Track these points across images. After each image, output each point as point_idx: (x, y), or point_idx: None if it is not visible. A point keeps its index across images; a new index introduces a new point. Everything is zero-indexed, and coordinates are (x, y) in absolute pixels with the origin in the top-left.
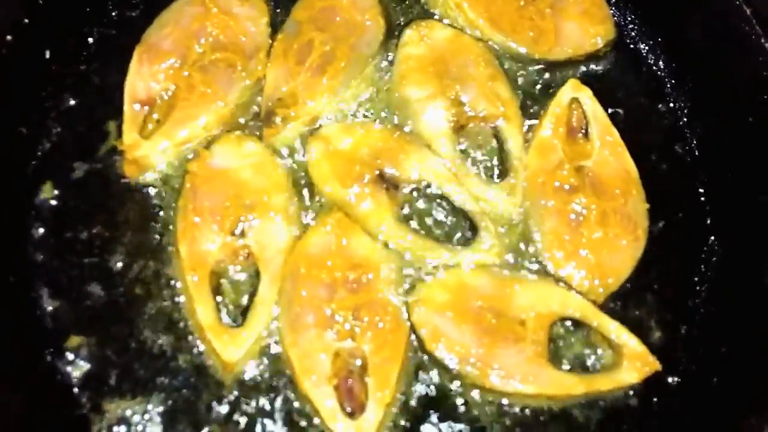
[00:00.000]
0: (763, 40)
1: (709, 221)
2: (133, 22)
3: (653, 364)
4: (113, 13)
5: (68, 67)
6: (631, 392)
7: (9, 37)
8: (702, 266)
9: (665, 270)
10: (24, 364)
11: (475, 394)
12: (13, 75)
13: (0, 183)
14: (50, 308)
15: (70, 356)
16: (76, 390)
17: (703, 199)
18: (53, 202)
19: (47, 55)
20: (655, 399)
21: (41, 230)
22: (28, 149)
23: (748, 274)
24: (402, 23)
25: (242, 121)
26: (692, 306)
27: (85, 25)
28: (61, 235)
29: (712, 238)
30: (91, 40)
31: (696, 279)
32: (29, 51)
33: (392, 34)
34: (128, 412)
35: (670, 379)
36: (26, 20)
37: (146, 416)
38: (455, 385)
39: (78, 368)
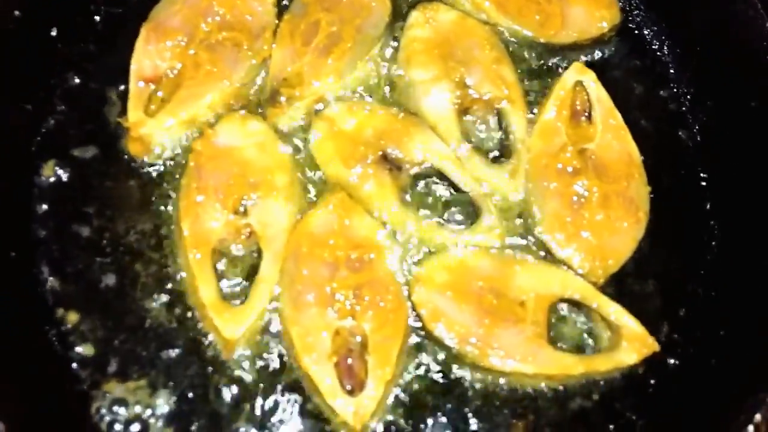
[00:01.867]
0: (766, 26)
1: (709, 206)
2: (140, 1)
3: (652, 345)
4: None
5: (74, 45)
6: (630, 373)
7: (17, 13)
8: (702, 250)
9: (665, 253)
10: (25, 340)
11: (474, 373)
12: (20, 51)
13: (4, 159)
14: (51, 285)
15: (71, 333)
16: (76, 366)
17: (704, 183)
18: (56, 179)
19: (54, 32)
20: (653, 380)
21: (44, 207)
22: (32, 126)
23: (747, 258)
24: (408, 5)
25: (247, 100)
26: (691, 289)
27: (91, 3)
28: (64, 212)
29: (712, 222)
30: (97, 18)
31: (696, 262)
32: (36, 28)
33: (398, 16)
34: (129, 390)
35: (668, 361)
36: None
37: (146, 394)
38: (454, 365)
39: (79, 345)
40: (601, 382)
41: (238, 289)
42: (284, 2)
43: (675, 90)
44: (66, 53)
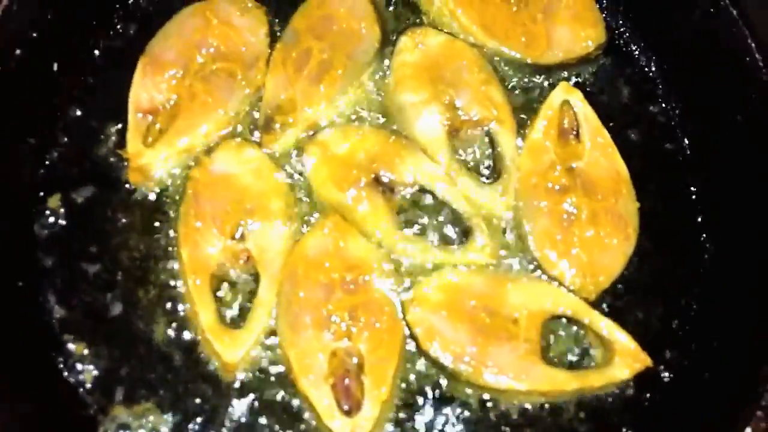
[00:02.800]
0: (749, 41)
1: (700, 219)
2: (137, 35)
3: (644, 360)
4: (118, 26)
5: (75, 79)
6: (624, 388)
7: (18, 51)
8: (693, 264)
9: (657, 268)
10: (31, 367)
11: (469, 391)
12: (22, 87)
13: (9, 190)
14: (57, 312)
15: (78, 359)
16: (82, 392)
17: (694, 197)
18: (61, 210)
19: (55, 67)
20: (647, 394)
21: (49, 236)
22: (36, 158)
23: (739, 271)
24: (397, 31)
25: (242, 128)
26: (684, 302)
27: (91, 38)
28: (69, 241)
29: (704, 235)
30: (97, 52)
31: (687, 276)
32: (37, 64)
33: (388, 41)
34: (135, 414)
35: (662, 375)
36: (34, 34)
37: (152, 417)
38: (449, 383)
39: (85, 371)
40: (595, 398)
41: (237, 313)
42: (277, 31)
43: (663, 105)
44: (67, 87)
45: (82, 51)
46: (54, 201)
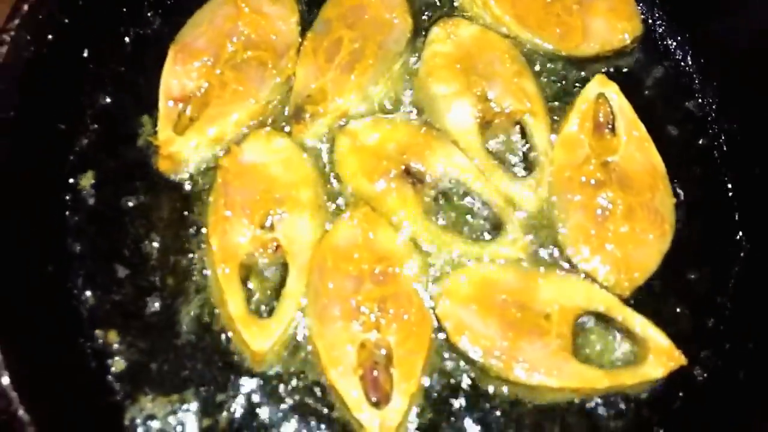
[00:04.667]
0: None
1: (737, 216)
2: (167, 23)
3: (679, 359)
4: (149, 14)
5: (105, 66)
6: (656, 387)
7: (50, 37)
8: (729, 261)
9: (692, 265)
10: (60, 352)
11: (499, 386)
12: (53, 72)
13: (39, 176)
14: (86, 299)
15: (106, 346)
16: (109, 378)
17: (730, 194)
18: (90, 196)
19: (85, 54)
20: (680, 393)
21: (79, 222)
22: (66, 145)
23: None
24: (429, 21)
25: (273, 118)
26: (719, 301)
27: (121, 25)
28: (98, 228)
29: (740, 233)
30: (127, 39)
31: (723, 274)
32: (68, 50)
33: (419, 31)
34: (162, 402)
35: (696, 374)
36: (66, 20)
37: (179, 406)
38: (479, 378)
39: (113, 359)
40: (628, 396)
41: (266, 303)
42: (308, 20)
43: (700, 100)
44: (97, 74)
45: (112, 38)
46: (84, 186)
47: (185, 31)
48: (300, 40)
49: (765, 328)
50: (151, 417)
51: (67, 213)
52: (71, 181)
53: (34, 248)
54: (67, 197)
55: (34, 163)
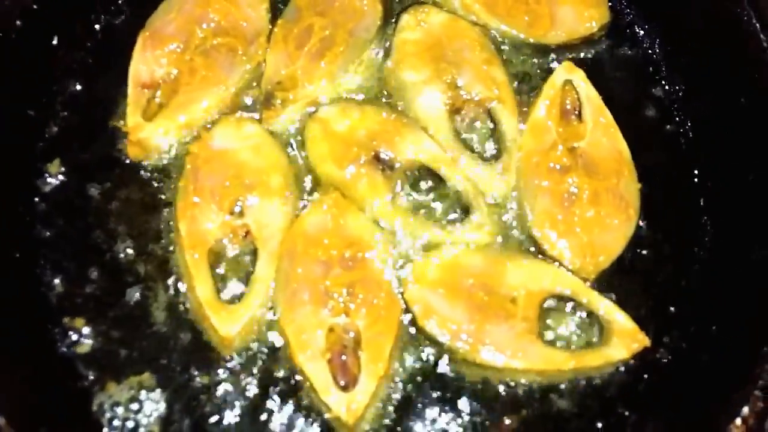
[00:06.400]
0: (754, 21)
1: (702, 202)
2: (138, 11)
3: (642, 341)
4: (119, 1)
5: (75, 54)
6: (621, 368)
7: (18, 22)
8: (693, 246)
9: (657, 249)
10: (27, 338)
11: (466, 368)
12: (22, 59)
13: (8, 163)
14: (54, 285)
15: (74, 331)
16: (77, 363)
17: (696, 180)
18: (60, 183)
19: (55, 40)
20: (645, 375)
21: (48, 209)
22: (35, 131)
23: (739, 253)
24: (399, 8)
25: (242, 104)
26: (683, 284)
27: (91, 12)
28: (67, 214)
29: (705, 218)
30: (97, 26)
31: (688, 258)
32: (38, 36)
33: (390, 19)
34: (129, 386)
35: (660, 356)
36: (35, 6)
37: (146, 392)
38: (446, 361)
39: (81, 345)
40: (593, 378)
41: (234, 288)
42: (278, 8)
43: (666, 87)
44: (67, 61)
45: (82, 25)
46: (53, 173)
47: (155, 17)
48: (270, 27)
49: (728, 311)
50: (120, 403)
51: (36, 199)
52: (40, 167)
53: (2, 234)
54: (36, 183)
55: (2, 149)
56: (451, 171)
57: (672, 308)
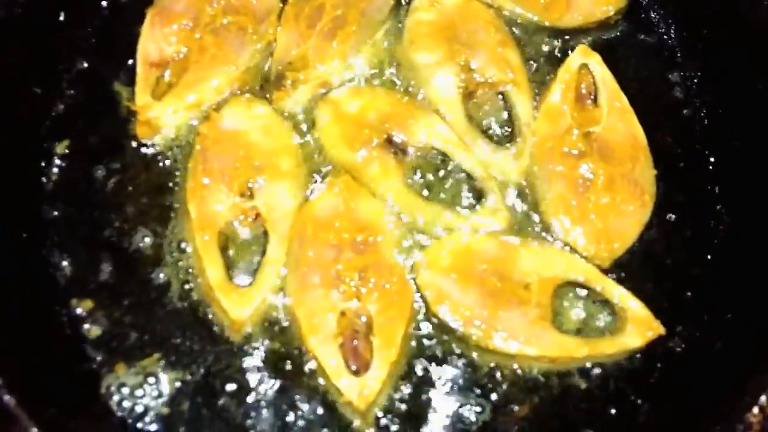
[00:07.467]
0: None
1: (717, 189)
2: None
3: (657, 329)
4: None
5: (82, 30)
6: (634, 356)
7: None
8: (708, 233)
9: (672, 236)
10: (35, 320)
11: (478, 355)
12: (28, 36)
13: (15, 142)
14: (62, 266)
15: (82, 314)
16: (86, 345)
17: (711, 167)
18: (67, 163)
19: (61, 17)
20: (658, 365)
21: (55, 189)
22: (41, 110)
23: (754, 242)
24: None
25: (253, 83)
26: (698, 272)
27: None
28: (74, 194)
29: (719, 206)
30: (104, 3)
31: (702, 246)
32: (44, 13)
33: None
34: (139, 372)
35: (673, 344)
36: None
37: (156, 374)
38: (459, 347)
39: (89, 327)
40: (606, 366)
41: (245, 271)
42: None
43: (682, 73)
44: (74, 38)
45: (89, 1)
46: (60, 153)
47: None
48: (281, 5)
49: (742, 299)
50: (128, 385)
51: (42, 179)
52: (47, 146)
53: (9, 214)
54: (43, 163)
55: (8, 128)
56: (464, 155)
57: (686, 296)
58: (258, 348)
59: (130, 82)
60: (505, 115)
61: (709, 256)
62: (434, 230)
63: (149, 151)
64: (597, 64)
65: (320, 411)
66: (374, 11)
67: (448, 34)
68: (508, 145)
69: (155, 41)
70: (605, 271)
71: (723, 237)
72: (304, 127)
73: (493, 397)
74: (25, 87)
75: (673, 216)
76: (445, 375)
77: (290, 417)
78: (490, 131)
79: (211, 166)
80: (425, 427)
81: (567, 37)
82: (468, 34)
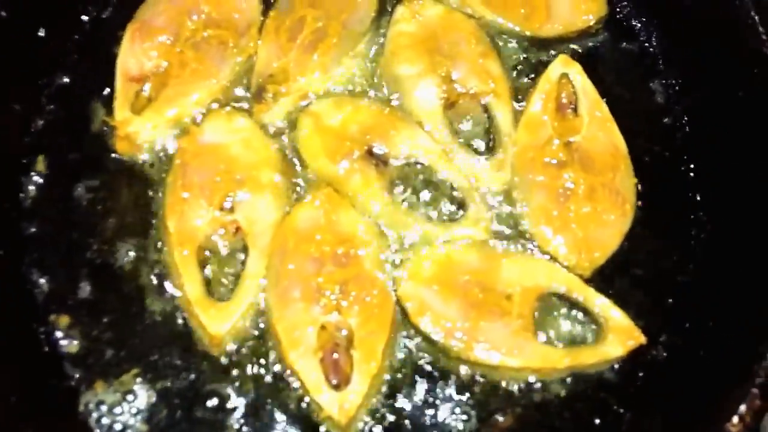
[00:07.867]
0: (753, 14)
1: (698, 197)
2: (125, 1)
3: (638, 338)
4: None
5: (62, 46)
6: (617, 366)
7: (3, 13)
8: (690, 241)
9: (653, 245)
10: (13, 337)
11: (460, 367)
12: (7, 51)
13: None
14: (40, 283)
15: (60, 331)
16: (64, 363)
17: (692, 174)
18: (46, 178)
19: (41, 33)
20: (641, 373)
21: (33, 205)
22: (21, 125)
23: (735, 250)
24: (394, 0)
25: (233, 97)
26: (679, 281)
27: (78, 3)
28: (53, 210)
29: (701, 213)
30: (85, 18)
31: (684, 254)
32: (24, 28)
33: (384, 11)
34: (117, 389)
35: (656, 353)
36: None
37: (134, 391)
38: (440, 359)
39: (67, 344)
40: (589, 375)
41: (224, 285)
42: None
43: (663, 81)
44: (54, 53)
45: (69, 16)
46: (39, 169)
47: (144, 8)
48: (262, 18)
49: (725, 308)
50: (107, 403)
51: (21, 195)
52: (25, 162)
53: None
54: (22, 179)
55: None
56: (446, 166)
57: (668, 305)
58: (237, 363)
59: (110, 97)
60: (486, 125)
61: (690, 265)
62: (416, 241)
63: (129, 166)
64: (577, 73)
65: (300, 426)
66: (355, 23)
67: (430, 46)
68: (489, 155)
69: (135, 56)
70: (587, 281)
71: (704, 245)
72: (285, 139)
73: (477, 408)
74: (4, 103)
75: (654, 224)
76: (427, 388)
77: None
78: (472, 142)
79: (191, 180)
80: None
81: (548, 46)
82: (449, 45)
